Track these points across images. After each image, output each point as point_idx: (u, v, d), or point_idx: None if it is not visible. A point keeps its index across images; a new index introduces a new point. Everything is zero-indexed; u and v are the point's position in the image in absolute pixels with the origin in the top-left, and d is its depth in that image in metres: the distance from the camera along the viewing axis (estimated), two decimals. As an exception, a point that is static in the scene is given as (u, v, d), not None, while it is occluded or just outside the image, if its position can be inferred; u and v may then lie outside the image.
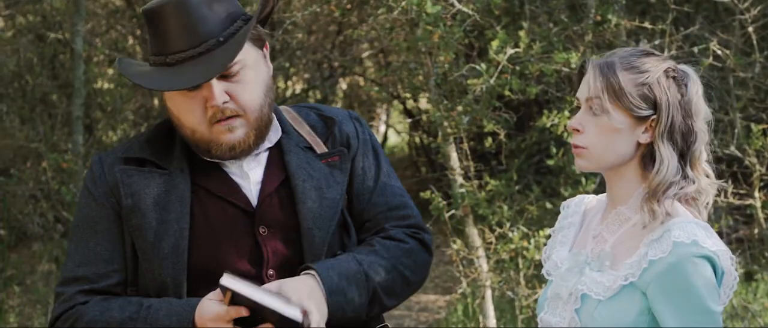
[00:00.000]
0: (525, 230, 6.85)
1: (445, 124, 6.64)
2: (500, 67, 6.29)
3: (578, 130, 2.84)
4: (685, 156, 2.82)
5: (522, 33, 6.46)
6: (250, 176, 3.03)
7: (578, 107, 2.89)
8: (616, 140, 2.81)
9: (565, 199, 6.72)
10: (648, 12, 7.90)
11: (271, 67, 3.07)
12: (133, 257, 2.99)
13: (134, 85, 2.98)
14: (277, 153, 3.07)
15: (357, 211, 3.11)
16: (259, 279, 2.94)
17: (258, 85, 2.97)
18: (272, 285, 2.86)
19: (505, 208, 6.83)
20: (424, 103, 11.02)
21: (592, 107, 2.81)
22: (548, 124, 6.58)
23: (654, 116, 2.78)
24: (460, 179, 6.84)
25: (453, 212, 6.81)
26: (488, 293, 6.98)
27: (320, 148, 3.10)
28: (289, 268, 2.97)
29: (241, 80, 2.93)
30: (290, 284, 2.86)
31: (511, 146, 7.30)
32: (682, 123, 2.80)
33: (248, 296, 2.74)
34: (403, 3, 6.04)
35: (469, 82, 6.35)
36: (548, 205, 7.17)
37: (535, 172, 9.06)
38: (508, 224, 6.82)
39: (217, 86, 2.89)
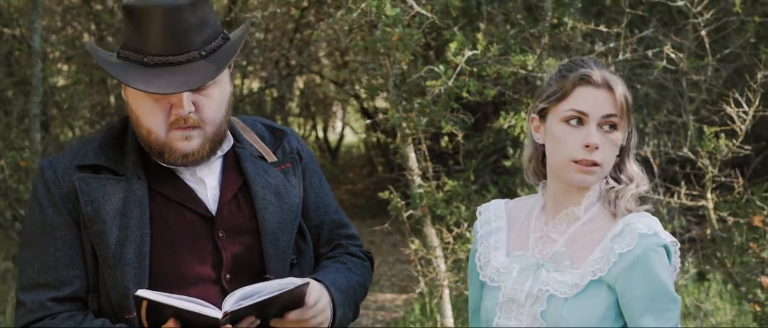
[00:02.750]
0: (482, 230, 6.89)
1: (404, 125, 6.70)
2: (458, 69, 6.35)
3: (597, 148, 2.86)
4: (625, 154, 2.95)
5: (479, 35, 6.52)
6: (205, 181, 3.09)
7: (575, 119, 2.88)
8: (615, 154, 2.90)
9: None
10: (603, 14, 7.99)
11: (232, 84, 3.16)
12: (93, 263, 3.01)
13: (119, 82, 3.02)
14: (232, 160, 3.14)
15: (312, 223, 3.23)
16: (217, 282, 3.03)
17: (222, 102, 3.05)
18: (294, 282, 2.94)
19: (463, 208, 6.90)
20: (380, 102, 11.04)
21: (611, 125, 2.86)
22: (505, 126, 6.65)
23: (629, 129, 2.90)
24: (418, 180, 6.90)
25: (411, 212, 6.86)
26: (446, 292, 7.04)
27: (270, 157, 3.20)
28: (246, 271, 3.04)
29: (208, 95, 3.01)
30: (316, 289, 2.99)
31: (468, 147, 7.37)
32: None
33: (165, 302, 2.80)
34: (363, 5, 6.08)
35: (427, 83, 6.40)
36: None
37: (492, 172, 9.13)
38: (465, 224, 6.89)
39: (187, 97, 2.96)
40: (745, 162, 8.23)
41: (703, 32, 7.11)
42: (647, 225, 2.82)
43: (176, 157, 3.01)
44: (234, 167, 3.13)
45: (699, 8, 7.04)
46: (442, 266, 6.96)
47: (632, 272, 2.80)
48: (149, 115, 2.99)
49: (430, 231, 6.96)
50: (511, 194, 7.50)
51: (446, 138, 6.91)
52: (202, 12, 2.97)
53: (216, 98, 3.02)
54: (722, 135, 6.78)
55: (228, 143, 3.14)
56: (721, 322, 7.67)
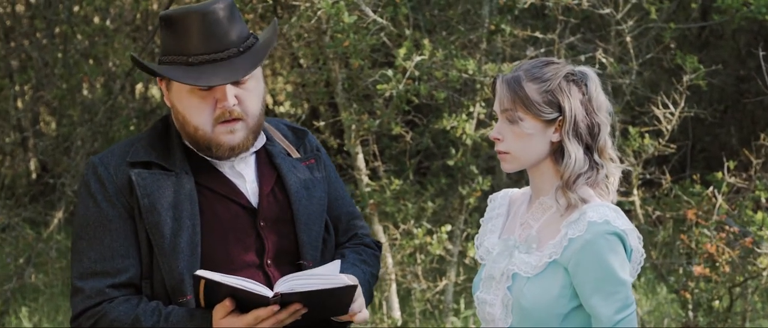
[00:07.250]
0: (428, 226, 7.24)
1: (354, 127, 6.98)
2: (408, 74, 6.66)
3: (499, 139, 3.26)
4: (591, 147, 3.23)
5: (425, 41, 6.84)
6: (243, 176, 3.35)
7: (496, 119, 3.30)
8: (531, 143, 3.22)
9: (463, 197, 7.11)
10: (538, 21, 8.33)
11: (265, 83, 3.43)
12: (147, 251, 3.23)
13: (167, 83, 3.29)
14: (264, 157, 3.41)
15: (332, 214, 3.50)
16: (260, 268, 3.30)
17: (259, 96, 3.32)
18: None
19: (410, 205, 7.21)
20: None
21: (508, 118, 3.22)
22: (448, 127, 6.98)
23: (560, 118, 3.19)
24: (365, 179, 7.19)
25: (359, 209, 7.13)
26: (393, 286, 7.36)
27: (294, 154, 3.47)
28: (284, 257, 3.33)
29: (248, 88, 3.27)
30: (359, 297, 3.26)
31: (412, 147, 7.67)
32: (586, 119, 3.21)
33: (222, 281, 3.05)
34: (320, 12, 6.34)
35: (378, 87, 6.68)
36: (447, 202, 7.56)
37: (434, 172, 9.42)
38: (412, 221, 7.20)
39: (230, 90, 3.22)
40: (664, 160, 8.68)
41: (627, 38, 7.53)
42: (600, 214, 3.16)
43: (224, 151, 3.27)
44: (267, 162, 3.40)
45: (621, 15, 7.45)
46: (390, 261, 7.27)
47: (582, 255, 3.14)
48: (196, 112, 3.24)
49: (378, 228, 7.25)
50: (453, 193, 7.78)
51: (386, 139, 7.20)
52: (233, 16, 3.25)
53: (255, 92, 3.28)
54: (647, 135, 7.19)
55: (261, 140, 3.40)
56: (642, 315, 8.08)
